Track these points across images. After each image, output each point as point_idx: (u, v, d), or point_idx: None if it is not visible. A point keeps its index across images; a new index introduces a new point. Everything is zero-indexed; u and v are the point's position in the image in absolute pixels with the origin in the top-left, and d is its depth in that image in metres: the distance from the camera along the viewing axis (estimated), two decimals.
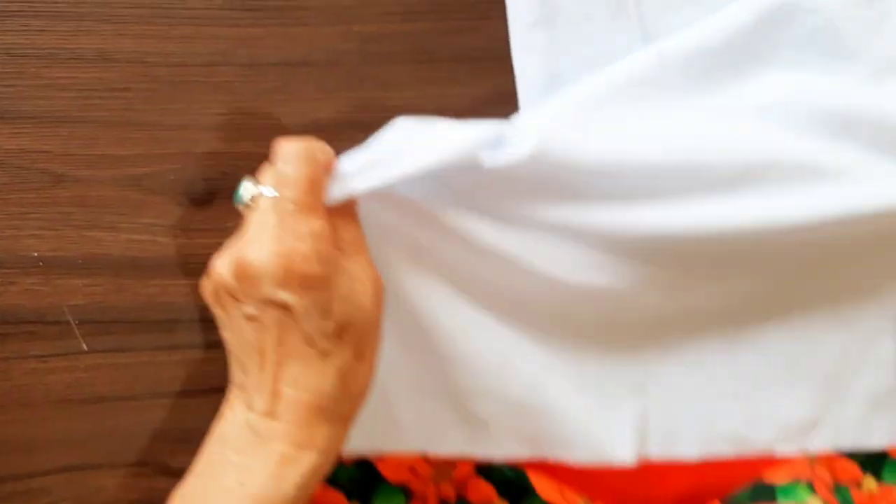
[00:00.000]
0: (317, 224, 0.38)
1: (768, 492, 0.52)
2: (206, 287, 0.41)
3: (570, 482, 0.51)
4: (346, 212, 0.42)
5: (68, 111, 0.48)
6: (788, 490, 0.51)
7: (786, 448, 0.53)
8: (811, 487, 0.51)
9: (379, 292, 0.41)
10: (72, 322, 0.48)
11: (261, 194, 0.40)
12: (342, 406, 0.40)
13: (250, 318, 0.38)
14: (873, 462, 0.53)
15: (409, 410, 0.50)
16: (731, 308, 0.52)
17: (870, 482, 0.52)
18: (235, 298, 0.39)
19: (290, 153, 0.40)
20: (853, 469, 0.53)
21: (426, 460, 0.50)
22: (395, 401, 0.50)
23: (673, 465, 0.53)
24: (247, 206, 0.40)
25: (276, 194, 0.39)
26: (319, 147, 0.41)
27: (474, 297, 0.49)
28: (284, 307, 0.37)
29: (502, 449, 0.51)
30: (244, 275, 0.37)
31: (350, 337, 0.39)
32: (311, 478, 0.38)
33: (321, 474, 0.40)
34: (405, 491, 0.50)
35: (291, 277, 0.37)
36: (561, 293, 0.49)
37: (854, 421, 0.53)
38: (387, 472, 0.50)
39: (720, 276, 0.51)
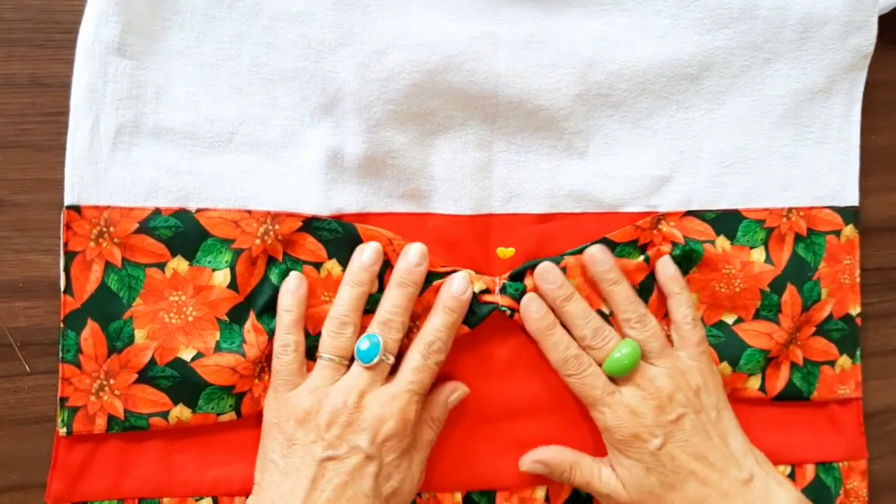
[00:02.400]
0: (419, 403, 0.47)
1: (608, 248, 0.52)
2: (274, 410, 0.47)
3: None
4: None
5: (3, 136, 0.49)
6: (624, 249, 0.52)
7: (633, 207, 0.53)
8: (644, 250, 0.52)
9: (416, 491, 0.48)
10: (14, 344, 0.49)
11: (387, 361, 0.47)
12: None
13: (330, 458, 0.44)
14: (727, 223, 0.53)
15: (229, 164, 0.49)
16: (580, 61, 0.51)
17: (724, 242, 0.52)
18: (325, 438, 0.44)
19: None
20: (705, 228, 0.53)
21: (250, 214, 0.49)
22: (214, 154, 0.49)
23: (516, 221, 0.52)
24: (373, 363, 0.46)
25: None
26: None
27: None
28: (371, 459, 0.44)
29: (332, 203, 0.50)
30: (350, 420, 0.45)
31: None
32: None
33: None
34: (231, 246, 0.48)
35: (390, 438, 0.45)
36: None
37: (704, 181, 0.53)
38: (210, 226, 0.49)
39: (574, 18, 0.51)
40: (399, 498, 0.46)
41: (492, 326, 0.51)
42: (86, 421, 0.47)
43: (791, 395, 0.54)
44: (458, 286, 0.48)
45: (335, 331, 0.47)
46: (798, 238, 0.54)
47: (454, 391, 0.50)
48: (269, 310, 0.49)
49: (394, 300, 0.47)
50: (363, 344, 0.46)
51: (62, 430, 0.47)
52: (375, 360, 0.46)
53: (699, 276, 0.53)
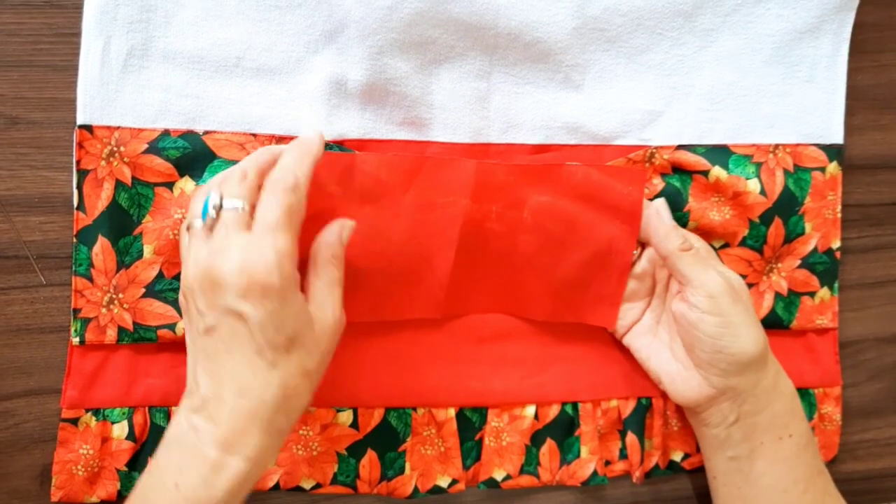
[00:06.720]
0: (282, 241, 0.40)
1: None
2: (180, 297, 0.44)
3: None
4: (332, 253, 0.45)
5: (19, 55, 0.50)
6: None
7: (626, 140, 0.55)
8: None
9: (339, 331, 0.44)
10: (30, 257, 0.51)
11: (230, 209, 0.41)
12: (279, 418, 0.40)
13: (208, 330, 0.40)
14: (717, 157, 0.55)
15: (235, 88, 0.51)
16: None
17: (719, 172, 0.54)
18: (198, 310, 0.40)
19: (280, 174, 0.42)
20: (699, 160, 0.54)
21: (255, 138, 0.51)
22: (221, 78, 0.51)
23: (513, 150, 0.54)
24: (210, 218, 0.41)
25: (243, 207, 0.41)
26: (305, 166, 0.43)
27: None
28: (240, 317, 0.39)
29: (334, 129, 0.52)
30: (210, 284, 0.39)
31: (298, 353, 0.41)
32: (240, 485, 0.39)
33: (251, 482, 0.40)
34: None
35: (252, 288, 0.38)
36: None
37: (695, 116, 0.55)
38: (216, 148, 0.50)
39: None
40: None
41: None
42: (97, 331, 0.50)
43: (772, 323, 0.56)
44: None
45: None
46: (787, 173, 0.55)
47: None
48: None
49: None
50: None
51: (75, 340, 0.50)
52: None
53: (696, 205, 0.54)
